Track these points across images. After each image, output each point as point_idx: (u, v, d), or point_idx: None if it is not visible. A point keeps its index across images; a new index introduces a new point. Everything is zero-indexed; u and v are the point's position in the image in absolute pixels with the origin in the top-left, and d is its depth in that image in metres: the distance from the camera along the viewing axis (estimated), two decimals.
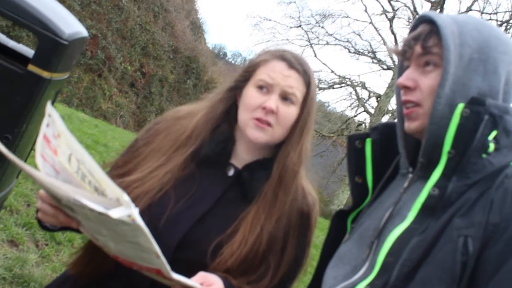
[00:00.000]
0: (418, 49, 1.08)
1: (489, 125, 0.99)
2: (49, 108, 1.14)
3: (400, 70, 1.18)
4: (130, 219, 0.96)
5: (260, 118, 1.37)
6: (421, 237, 0.98)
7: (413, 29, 1.14)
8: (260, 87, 1.40)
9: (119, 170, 1.45)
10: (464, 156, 0.99)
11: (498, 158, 1.00)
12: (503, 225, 0.91)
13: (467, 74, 1.02)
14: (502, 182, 0.96)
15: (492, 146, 0.99)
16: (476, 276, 0.91)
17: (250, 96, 1.40)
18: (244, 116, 1.41)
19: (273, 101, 1.37)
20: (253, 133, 1.38)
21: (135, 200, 1.35)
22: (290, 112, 1.39)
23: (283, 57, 1.42)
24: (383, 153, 1.20)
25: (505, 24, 17.31)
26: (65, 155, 1.10)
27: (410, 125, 1.10)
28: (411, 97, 1.09)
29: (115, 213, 0.94)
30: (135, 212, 0.96)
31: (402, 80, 1.10)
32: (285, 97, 1.39)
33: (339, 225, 1.25)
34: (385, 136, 1.20)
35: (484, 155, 0.99)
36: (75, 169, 1.08)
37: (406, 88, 1.09)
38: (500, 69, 1.04)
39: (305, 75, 1.41)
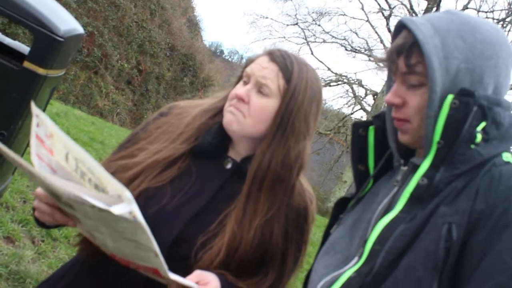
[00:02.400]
0: (402, 66, 1.06)
1: (477, 116, 0.99)
2: (35, 109, 1.13)
3: (388, 79, 1.17)
4: (131, 215, 0.96)
5: (232, 105, 1.38)
6: (407, 225, 0.99)
7: (395, 35, 1.12)
8: (244, 80, 1.40)
9: (124, 152, 1.45)
10: (453, 147, 0.99)
11: (488, 150, 1.00)
12: (488, 212, 0.92)
13: (454, 86, 1.02)
14: (489, 170, 0.97)
15: (479, 137, 0.99)
16: (462, 263, 0.92)
17: (234, 88, 1.41)
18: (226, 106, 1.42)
19: (243, 89, 1.37)
20: (226, 118, 1.39)
21: (135, 179, 1.36)
22: (263, 104, 1.36)
23: (269, 51, 1.41)
24: (386, 141, 1.20)
25: (501, 23, 17.34)
26: (61, 154, 1.09)
27: (402, 138, 1.11)
28: (400, 114, 1.09)
29: (117, 210, 0.94)
30: (136, 209, 0.96)
31: (390, 98, 1.09)
32: (260, 89, 1.37)
33: (340, 213, 1.25)
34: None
35: (472, 146, 0.99)
36: (73, 167, 1.07)
37: (394, 105, 1.09)
38: (486, 78, 1.03)
39: (286, 69, 1.37)
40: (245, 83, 1.40)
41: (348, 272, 1.05)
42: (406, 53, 1.05)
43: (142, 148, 1.43)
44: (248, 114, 1.36)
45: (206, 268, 1.29)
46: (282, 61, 1.37)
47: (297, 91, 1.36)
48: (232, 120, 1.37)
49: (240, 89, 1.38)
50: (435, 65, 1.00)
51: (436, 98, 1.01)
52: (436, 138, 1.01)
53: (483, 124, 1.00)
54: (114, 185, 0.98)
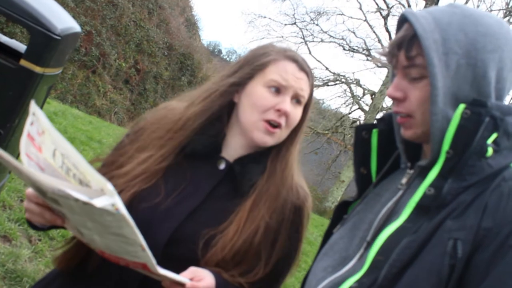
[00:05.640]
0: (402, 59, 1.04)
1: (489, 128, 0.96)
2: (33, 107, 1.13)
3: (392, 76, 1.15)
4: (114, 208, 0.96)
5: (273, 120, 1.37)
6: (412, 237, 0.96)
7: (398, 28, 1.10)
8: (271, 87, 1.38)
9: (108, 167, 1.44)
10: (462, 158, 0.96)
11: (498, 160, 0.97)
12: (496, 230, 0.90)
13: (455, 83, 0.99)
14: (498, 185, 0.94)
15: (490, 151, 0.96)
16: (466, 280, 0.90)
17: (261, 96, 1.38)
18: (252, 116, 1.38)
19: (287, 104, 1.38)
20: (261, 137, 1.38)
21: (125, 188, 1.35)
22: (298, 113, 1.42)
23: (294, 58, 1.41)
24: (389, 144, 1.18)
25: None
26: (49, 151, 1.10)
27: (405, 133, 1.09)
28: (402, 108, 1.06)
29: (99, 202, 0.94)
30: (118, 201, 0.96)
31: (391, 91, 1.07)
32: (296, 100, 1.40)
33: (341, 216, 1.23)
34: (391, 127, 1.18)
35: (483, 158, 0.97)
36: (59, 164, 1.08)
37: (396, 99, 1.07)
38: (489, 71, 1.00)
39: (311, 77, 1.44)
40: (276, 92, 1.38)
41: (349, 281, 1.02)
42: (406, 45, 1.03)
43: (131, 157, 1.42)
44: (286, 125, 1.40)
45: (204, 265, 1.29)
46: (308, 70, 1.44)
47: (312, 95, 1.45)
48: (269, 139, 1.39)
49: (283, 103, 1.37)
50: (435, 61, 0.98)
51: (438, 94, 0.98)
52: (445, 147, 0.98)
53: (494, 136, 0.97)
54: (97, 179, 0.99)
